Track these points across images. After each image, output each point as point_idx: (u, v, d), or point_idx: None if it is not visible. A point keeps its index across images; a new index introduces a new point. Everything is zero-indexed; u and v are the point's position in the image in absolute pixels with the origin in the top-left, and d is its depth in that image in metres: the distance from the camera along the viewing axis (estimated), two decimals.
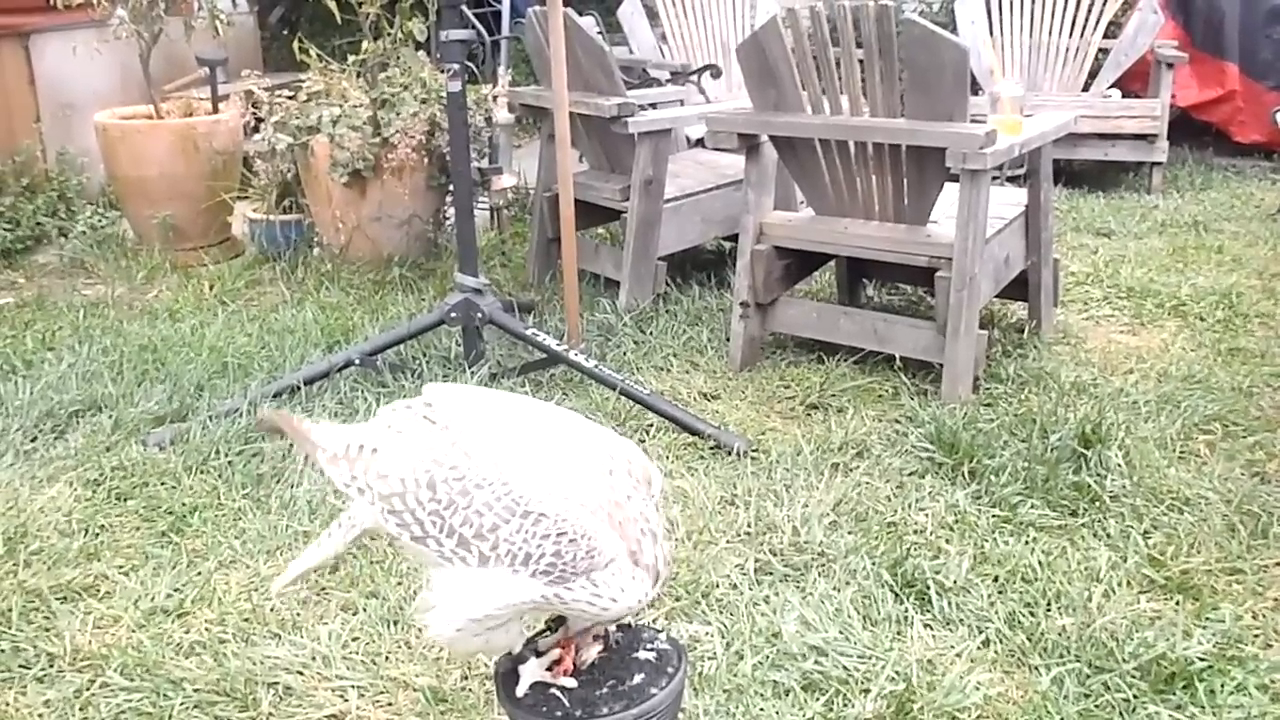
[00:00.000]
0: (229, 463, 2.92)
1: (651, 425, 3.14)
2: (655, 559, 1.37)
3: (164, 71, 5.42)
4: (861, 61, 3.20)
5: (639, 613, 1.46)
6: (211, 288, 4.43)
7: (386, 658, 2.16)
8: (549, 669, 1.49)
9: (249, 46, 6.79)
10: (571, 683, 1.46)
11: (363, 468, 1.38)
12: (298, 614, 2.31)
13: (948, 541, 2.53)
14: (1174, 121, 6.01)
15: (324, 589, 2.39)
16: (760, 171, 3.50)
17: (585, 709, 1.41)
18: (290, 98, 4.55)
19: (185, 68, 5.69)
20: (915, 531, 2.58)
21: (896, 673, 2.08)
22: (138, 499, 2.76)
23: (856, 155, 3.33)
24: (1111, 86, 6.11)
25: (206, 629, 2.26)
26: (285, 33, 7.07)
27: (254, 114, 4.86)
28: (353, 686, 2.08)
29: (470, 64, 3.77)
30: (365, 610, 2.30)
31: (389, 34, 4.51)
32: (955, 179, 3.18)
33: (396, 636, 2.22)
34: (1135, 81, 6.26)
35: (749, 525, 2.62)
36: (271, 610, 2.32)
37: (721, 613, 2.28)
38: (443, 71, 3.30)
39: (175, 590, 2.39)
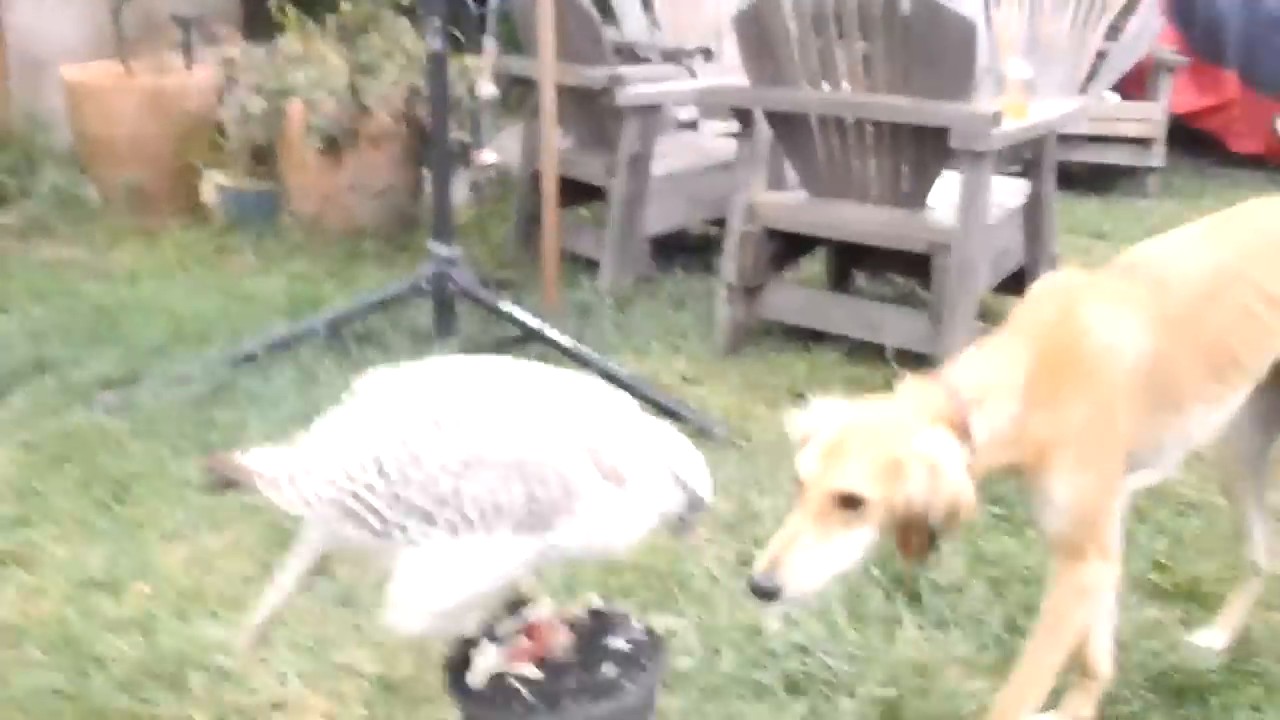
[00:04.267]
0: (179, 430, 2.74)
1: None
2: (640, 466, 1.22)
3: (138, 29, 5.21)
4: (863, 36, 3.06)
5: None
6: (177, 254, 4.25)
7: (334, 642, 2.00)
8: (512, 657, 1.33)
9: (227, 4, 6.57)
10: (535, 673, 1.30)
11: (304, 482, 1.24)
12: (240, 592, 2.14)
13: None
14: (1170, 128, 5.90)
15: (268, 565, 2.22)
16: (753, 148, 3.36)
17: (548, 703, 1.24)
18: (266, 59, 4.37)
19: (160, 25, 5.49)
20: None
21: (886, 676, 1.93)
22: (77, 463, 2.60)
23: (854, 134, 3.19)
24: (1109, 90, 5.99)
25: (141, 605, 2.09)
26: None
27: (228, 75, 4.67)
28: (295, 673, 1.92)
29: (455, 31, 3.60)
30: (313, 589, 2.12)
31: None
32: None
33: (346, 619, 2.06)
34: (1131, 86, 6.14)
35: (730, 515, 2.47)
36: (212, 587, 2.15)
37: (699, 605, 2.13)
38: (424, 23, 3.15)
39: (110, 562, 2.22)
